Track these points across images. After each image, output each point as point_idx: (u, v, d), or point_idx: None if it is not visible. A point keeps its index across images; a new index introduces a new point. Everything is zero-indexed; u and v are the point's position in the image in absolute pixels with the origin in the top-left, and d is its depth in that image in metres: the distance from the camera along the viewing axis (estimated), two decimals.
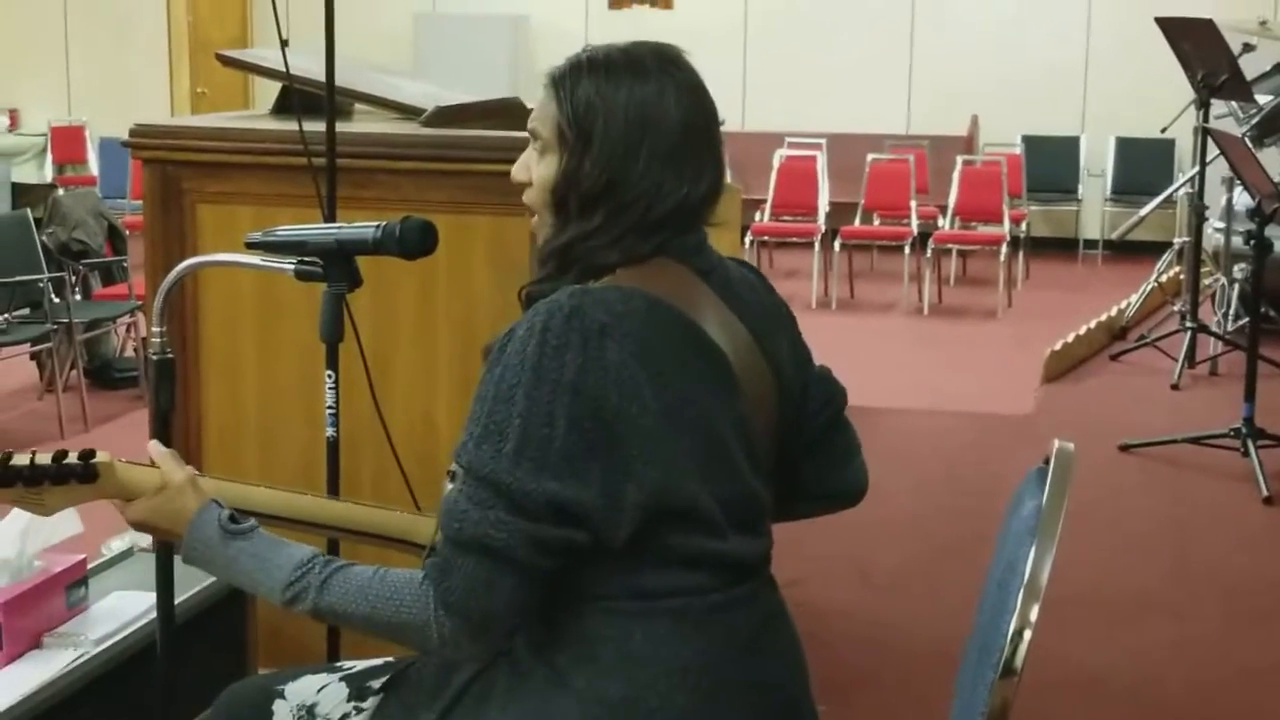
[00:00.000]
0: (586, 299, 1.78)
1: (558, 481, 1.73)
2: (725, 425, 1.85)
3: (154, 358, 2.44)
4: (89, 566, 2.91)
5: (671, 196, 1.85)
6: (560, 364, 1.74)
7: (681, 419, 1.79)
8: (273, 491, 2.06)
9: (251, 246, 2.46)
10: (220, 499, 1.93)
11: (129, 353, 7.51)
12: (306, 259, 2.42)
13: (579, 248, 1.87)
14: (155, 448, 1.97)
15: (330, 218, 2.86)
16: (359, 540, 2.11)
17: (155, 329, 2.45)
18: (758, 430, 1.90)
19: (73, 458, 1.89)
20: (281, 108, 3.63)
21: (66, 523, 2.70)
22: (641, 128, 1.84)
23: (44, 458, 1.89)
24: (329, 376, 2.64)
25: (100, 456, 1.91)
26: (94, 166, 12.49)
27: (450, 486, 1.81)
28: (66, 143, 12.76)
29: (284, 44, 2.98)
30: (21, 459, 1.89)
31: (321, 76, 2.98)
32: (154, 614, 2.54)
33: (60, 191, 8.36)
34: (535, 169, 1.91)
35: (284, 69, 3.02)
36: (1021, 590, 1.78)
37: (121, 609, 2.83)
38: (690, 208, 1.88)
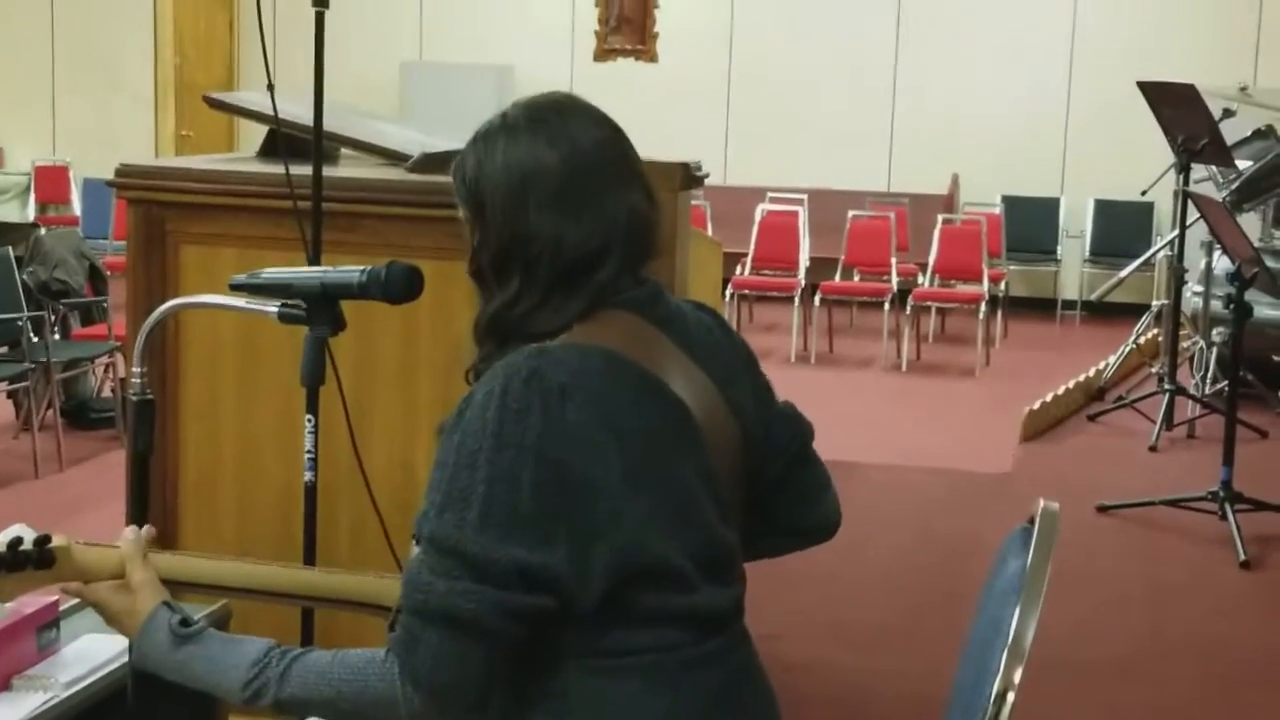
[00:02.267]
0: (544, 360, 1.76)
1: (524, 548, 1.70)
2: (691, 477, 1.83)
3: (134, 399, 2.43)
4: (61, 609, 2.87)
5: (578, 241, 1.82)
6: (522, 428, 1.72)
7: (646, 476, 1.78)
8: (236, 564, 2.03)
9: (236, 288, 2.45)
10: (185, 574, 1.92)
11: (106, 393, 7.48)
12: (290, 302, 2.41)
13: (509, 316, 1.85)
14: (126, 536, 1.94)
15: (315, 261, 2.86)
16: (328, 607, 2.09)
17: (136, 369, 2.44)
18: (724, 478, 1.88)
19: (28, 544, 1.86)
20: (268, 151, 3.63)
21: None
22: (522, 181, 1.83)
23: None
24: (309, 421, 2.63)
25: (56, 540, 1.88)
26: (76, 206, 12.47)
27: (416, 550, 1.78)
28: (50, 182, 12.74)
29: (271, 88, 2.98)
30: None
31: (308, 121, 2.99)
32: (125, 658, 2.51)
33: (42, 231, 8.33)
34: None
35: (271, 113, 3.02)
36: (1005, 651, 1.77)
37: (93, 652, 2.79)
38: (607, 247, 1.84)
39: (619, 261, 1.85)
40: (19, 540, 1.86)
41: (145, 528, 1.98)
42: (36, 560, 1.86)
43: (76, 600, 3.08)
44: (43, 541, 1.87)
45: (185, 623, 1.85)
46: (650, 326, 1.87)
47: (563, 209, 1.83)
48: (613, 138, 1.90)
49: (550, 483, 1.72)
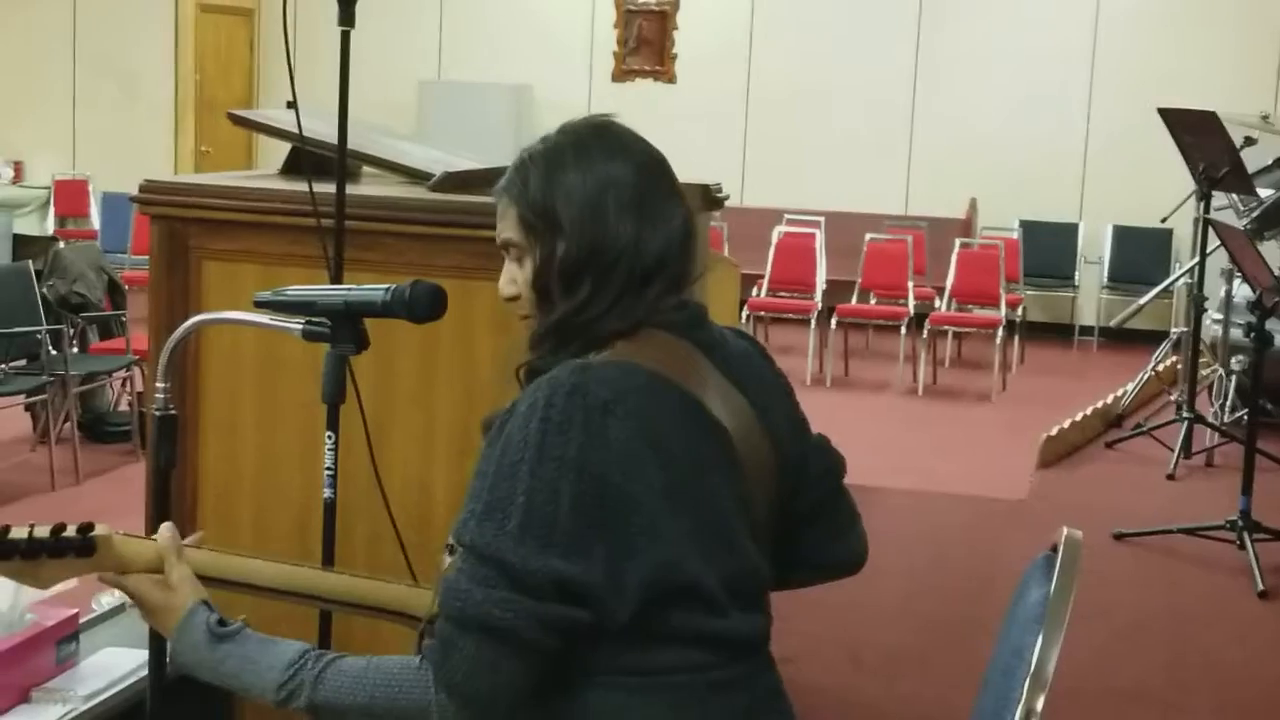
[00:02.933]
0: (588, 375, 1.78)
1: (562, 560, 1.71)
2: (728, 502, 1.84)
3: (157, 414, 2.43)
4: (80, 621, 2.88)
5: (652, 244, 1.86)
6: (564, 441, 1.73)
7: (684, 497, 1.78)
8: (269, 564, 2.04)
9: (261, 305, 2.45)
10: (217, 571, 1.94)
11: (123, 407, 7.49)
12: (314, 319, 2.41)
13: (573, 322, 1.86)
14: (164, 532, 1.96)
15: (337, 279, 2.86)
16: (355, 612, 2.09)
17: (159, 384, 2.44)
18: (759, 505, 1.89)
19: (71, 530, 1.88)
20: (290, 168, 3.63)
21: None
22: (600, 188, 1.86)
23: (42, 530, 1.88)
24: (329, 438, 2.63)
25: (99, 529, 1.90)
26: (95, 220, 12.52)
27: (448, 560, 1.79)
28: (69, 196, 12.79)
29: (291, 105, 2.98)
30: (20, 531, 1.88)
31: (331, 138, 2.99)
32: (144, 671, 2.51)
33: (61, 244, 8.36)
34: (519, 277, 1.91)
35: (294, 130, 3.02)
36: (1027, 679, 1.77)
37: (112, 665, 2.80)
38: (672, 252, 1.88)
39: (673, 272, 1.90)
40: (63, 525, 1.88)
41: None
42: (79, 547, 1.88)
43: (95, 614, 3.09)
44: (86, 529, 1.89)
45: (223, 622, 1.88)
46: (692, 348, 1.89)
47: (639, 213, 1.87)
48: (660, 155, 1.95)
49: (590, 496, 1.73)
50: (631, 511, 1.74)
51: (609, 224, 1.85)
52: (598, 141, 1.90)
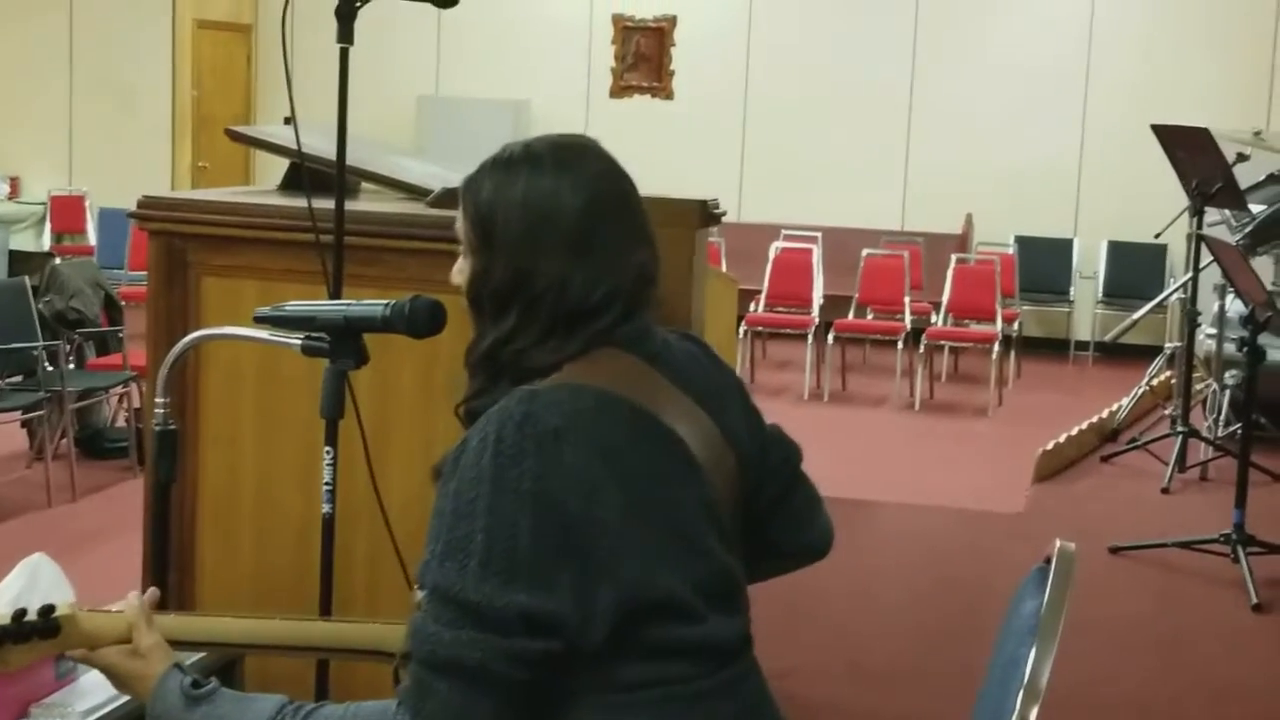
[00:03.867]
0: (536, 403, 1.76)
1: (527, 593, 1.70)
2: (692, 509, 1.83)
3: (156, 428, 2.44)
4: None
5: (583, 287, 1.83)
6: (519, 472, 1.72)
7: (646, 511, 1.78)
8: (238, 620, 2.04)
9: (260, 321, 2.46)
10: (187, 634, 1.94)
11: (120, 423, 7.50)
12: (314, 335, 2.42)
13: (503, 352, 1.85)
14: (130, 601, 1.95)
15: (337, 295, 2.88)
16: (330, 656, 2.10)
17: (159, 399, 2.45)
18: (724, 506, 1.89)
19: (32, 615, 1.88)
20: (289, 184, 3.65)
21: (58, 591, 2.68)
22: (541, 219, 1.83)
23: (2, 618, 1.88)
24: (328, 453, 2.64)
25: (60, 610, 1.89)
26: (92, 236, 12.52)
27: (420, 595, 1.79)
28: (66, 212, 12.80)
29: (289, 121, 3.01)
30: None
31: (329, 154, 3.01)
32: None
33: (58, 260, 8.38)
34: (467, 272, 1.91)
35: (293, 146, 3.04)
36: (1022, 691, 1.78)
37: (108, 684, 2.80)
38: (613, 297, 1.85)
39: (620, 312, 1.86)
40: (23, 612, 1.88)
41: (149, 590, 1.99)
42: (42, 630, 1.88)
43: None
44: (47, 611, 1.88)
45: (196, 684, 1.86)
46: (640, 362, 1.87)
47: (574, 254, 1.83)
48: (630, 193, 1.91)
49: (550, 526, 1.72)
50: (595, 535, 1.73)
51: (538, 256, 1.83)
52: (560, 166, 1.86)
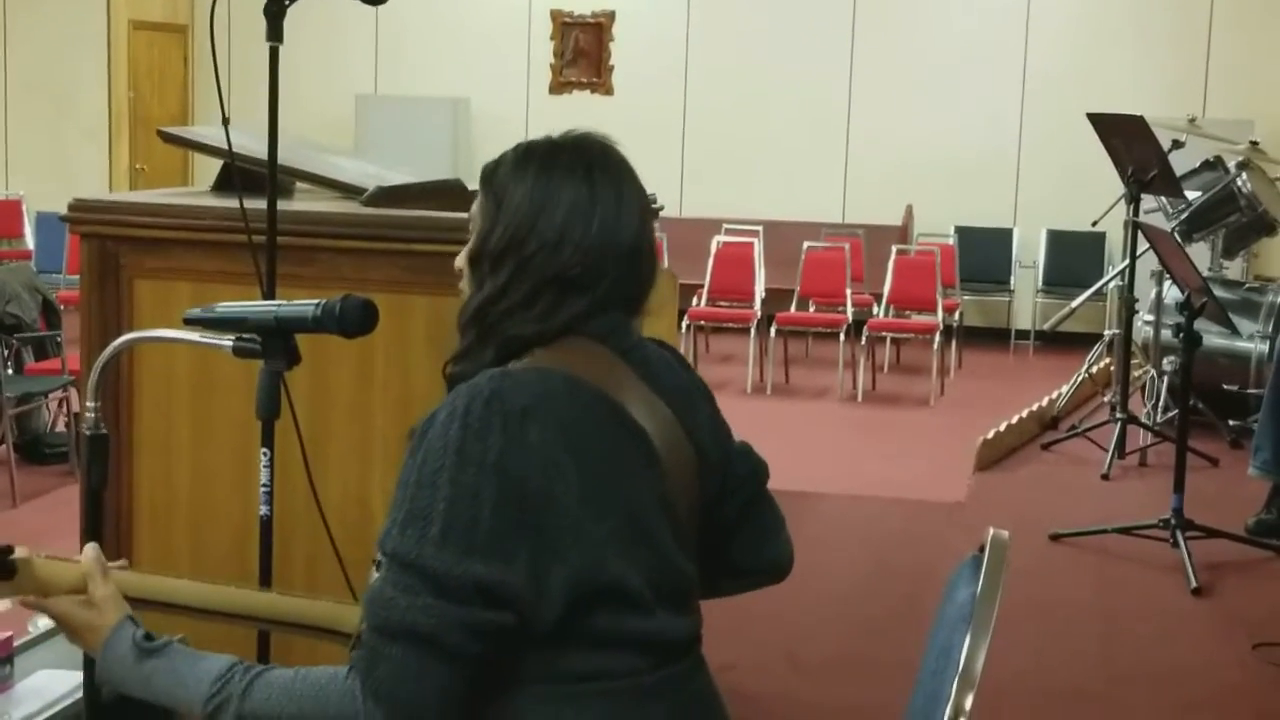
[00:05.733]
0: (506, 382, 1.80)
1: (484, 564, 1.72)
2: (649, 504, 1.86)
3: (88, 433, 2.42)
4: (15, 645, 2.86)
5: (573, 246, 1.88)
6: (483, 447, 1.75)
7: (605, 499, 1.80)
8: (195, 584, 2.04)
9: (191, 323, 2.45)
10: (143, 591, 1.93)
11: (60, 428, 7.43)
12: (245, 336, 2.41)
13: (492, 311, 1.89)
14: (88, 553, 1.95)
15: (270, 295, 2.86)
16: (284, 630, 2.10)
17: (90, 404, 2.43)
18: (682, 508, 1.91)
19: None
20: (222, 185, 3.63)
21: None
22: (545, 194, 1.90)
23: None
24: (264, 454, 2.63)
25: (19, 552, 1.89)
26: (30, 240, 12.39)
27: (376, 575, 1.79)
28: (2, 216, 12.65)
29: (226, 122, 2.98)
30: None
31: (263, 154, 2.99)
32: (80, 693, 2.50)
33: None
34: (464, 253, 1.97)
35: (225, 146, 3.02)
36: (956, 679, 1.79)
37: (47, 688, 2.79)
38: (599, 275, 1.89)
39: (601, 298, 1.90)
40: None
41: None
42: None
43: (30, 636, 3.07)
44: (4, 552, 1.88)
45: (149, 637, 1.87)
46: (612, 355, 1.91)
47: (571, 218, 1.89)
48: (649, 217, 1.98)
49: (511, 501, 1.75)
50: (553, 514, 1.76)
51: (539, 219, 1.88)
52: (572, 157, 1.93)
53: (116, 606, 1.91)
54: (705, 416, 2.02)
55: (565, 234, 1.88)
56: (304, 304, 2.39)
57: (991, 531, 1.94)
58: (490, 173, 1.96)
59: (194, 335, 2.47)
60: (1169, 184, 7.59)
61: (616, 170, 1.97)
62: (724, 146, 12.25)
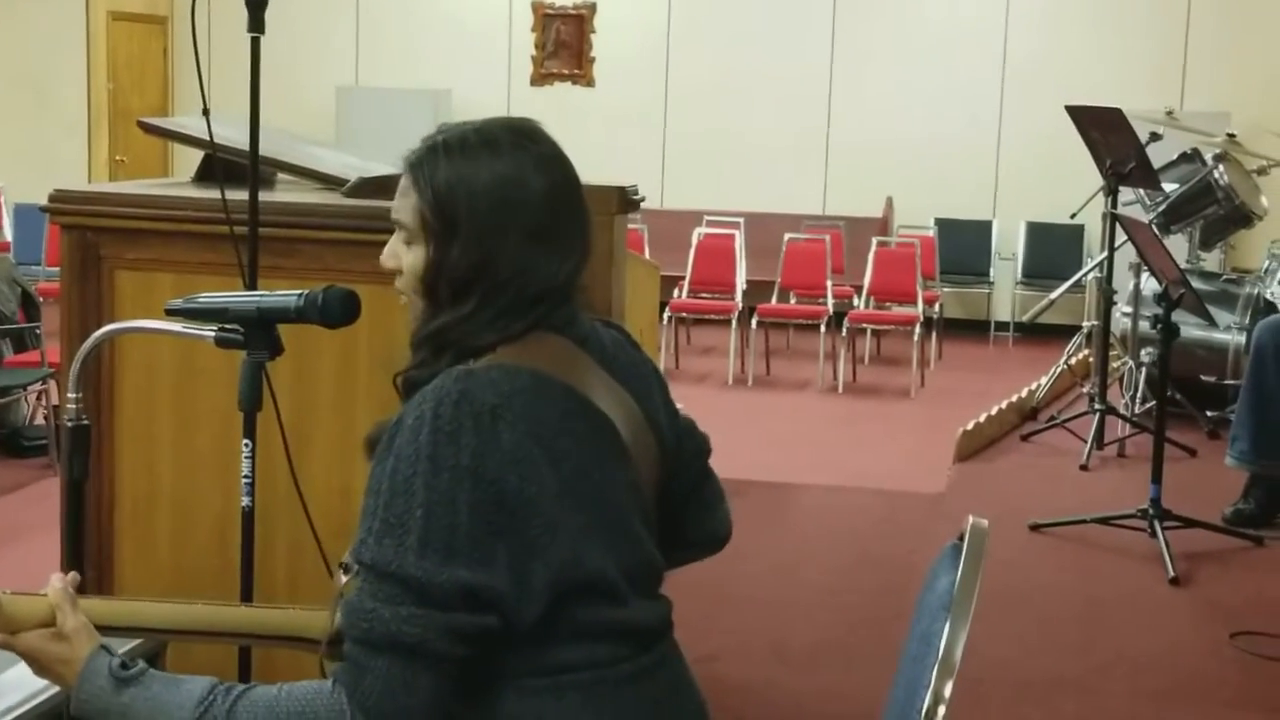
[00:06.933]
0: (472, 382, 1.78)
1: (466, 569, 1.72)
2: (621, 492, 1.86)
3: (69, 424, 2.42)
4: None
5: (544, 274, 1.85)
6: (456, 449, 1.73)
7: (579, 492, 1.80)
8: (162, 605, 2.01)
9: (172, 313, 2.45)
10: (110, 618, 1.90)
11: (39, 421, 7.41)
12: (227, 326, 2.41)
13: (453, 332, 1.86)
14: (54, 584, 1.90)
15: (252, 286, 2.86)
16: (254, 643, 2.08)
17: (71, 395, 2.43)
18: (646, 492, 1.92)
19: None
20: (204, 176, 3.62)
21: None
22: (506, 207, 1.84)
23: None
24: (246, 445, 2.63)
25: None
26: (9, 232, 12.32)
27: (344, 580, 1.78)
28: None
29: (206, 112, 2.98)
30: None
31: (244, 145, 2.99)
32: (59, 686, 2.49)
33: None
34: (404, 257, 1.90)
35: (207, 137, 3.02)
36: (936, 666, 1.80)
37: (27, 681, 2.77)
38: (565, 282, 1.88)
39: (565, 293, 1.90)
40: None
41: (70, 574, 1.95)
42: None
43: None
44: None
45: (125, 665, 1.82)
46: (572, 345, 1.90)
47: (539, 242, 1.85)
48: (575, 174, 1.93)
49: (487, 502, 1.74)
50: (530, 512, 1.76)
51: (507, 245, 1.84)
52: (518, 148, 1.87)
53: (88, 637, 1.85)
54: (658, 397, 2.02)
55: (537, 256, 1.85)
56: (286, 295, 2.40)
57: (971, 520, 1.95)
58: (426, 175, 1.86)
59: (176, 326, 2.47)
60: (1147, 176, 7.61)
61: (560, 154, 1.91)
62: (705, 139, 12.26)
